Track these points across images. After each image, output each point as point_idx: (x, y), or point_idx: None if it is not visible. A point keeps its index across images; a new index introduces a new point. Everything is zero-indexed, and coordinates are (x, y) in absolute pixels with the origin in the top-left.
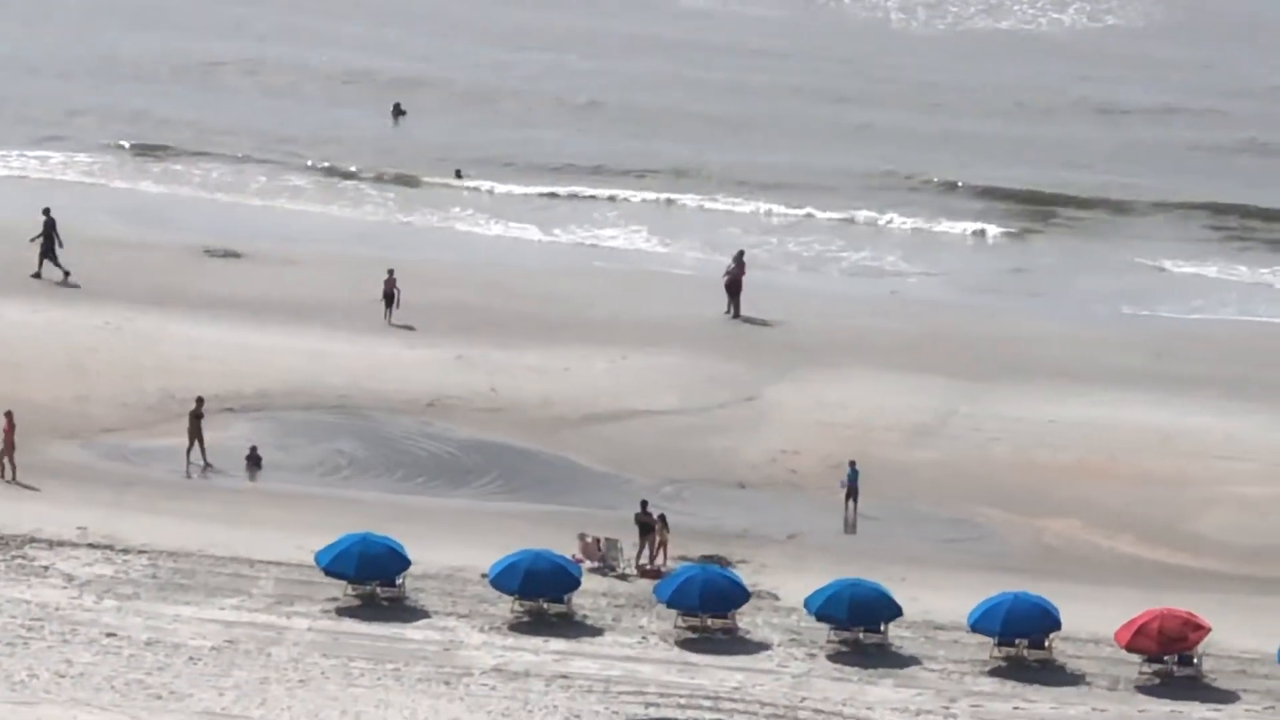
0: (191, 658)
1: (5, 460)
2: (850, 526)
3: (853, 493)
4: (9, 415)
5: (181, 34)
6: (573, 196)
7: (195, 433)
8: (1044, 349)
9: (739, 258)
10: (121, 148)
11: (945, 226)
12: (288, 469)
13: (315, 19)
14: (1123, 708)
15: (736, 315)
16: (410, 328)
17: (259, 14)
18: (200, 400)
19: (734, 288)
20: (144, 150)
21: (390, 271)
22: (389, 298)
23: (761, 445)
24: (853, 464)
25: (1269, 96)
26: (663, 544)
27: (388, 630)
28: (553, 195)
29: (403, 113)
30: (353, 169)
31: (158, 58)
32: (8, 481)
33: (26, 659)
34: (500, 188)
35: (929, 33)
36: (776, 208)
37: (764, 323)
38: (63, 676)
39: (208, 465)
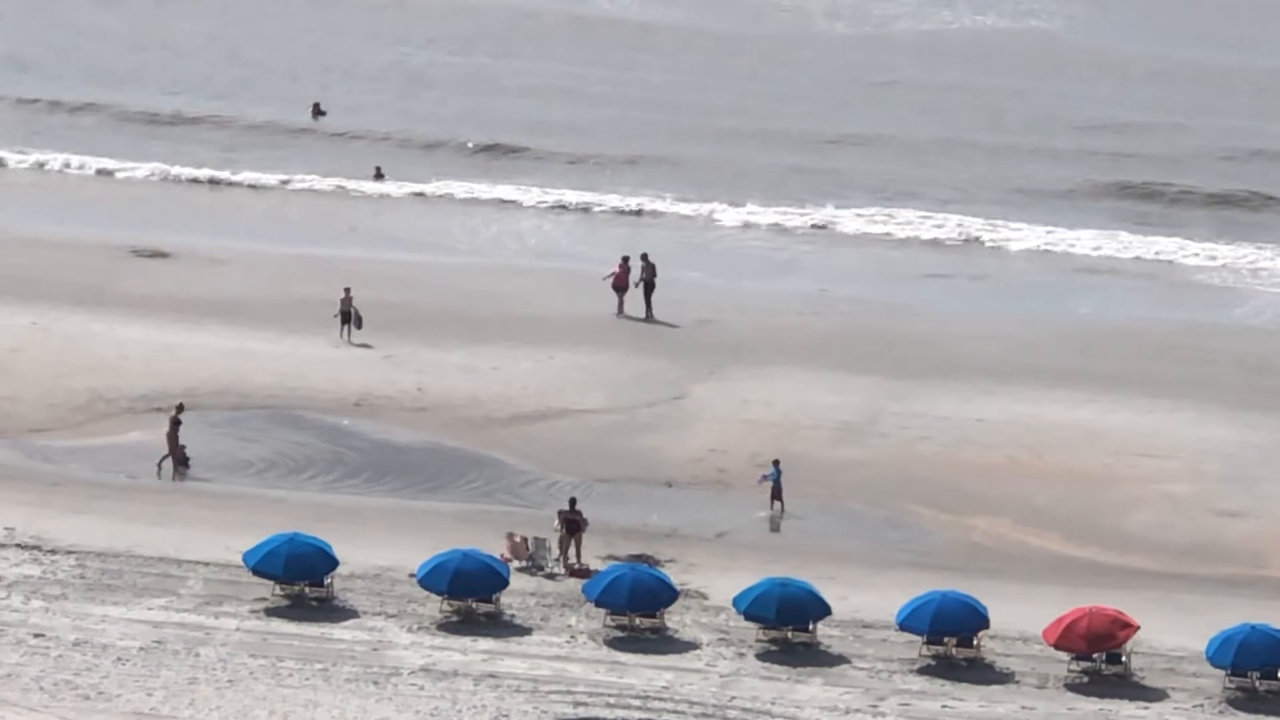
0: (119, 658)
1: None
2: (775, 525)
3: (777, 492)
4: None
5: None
6: (497, 198)
7: (174, 439)
8: (969, 347)
9: (644, 258)
10: None
11: (865, 226)
12: (215, 468)
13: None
14: (1051, 705)
15: (651, 319)
16: (368, 346)
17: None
18: (180, 406)
19: (648, 289)
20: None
21: (347, 290)
22: (346, 315)
23: (689, 444)
24: (776, 463)
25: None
26: (579, 536)
27: (316, 630)
28: (472, 197)
29: (322, 113)
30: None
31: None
32: None
33: None
34: (422, 186)
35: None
36: (697, 207)
37: (672, 325)
38: None
39: (177, 472)
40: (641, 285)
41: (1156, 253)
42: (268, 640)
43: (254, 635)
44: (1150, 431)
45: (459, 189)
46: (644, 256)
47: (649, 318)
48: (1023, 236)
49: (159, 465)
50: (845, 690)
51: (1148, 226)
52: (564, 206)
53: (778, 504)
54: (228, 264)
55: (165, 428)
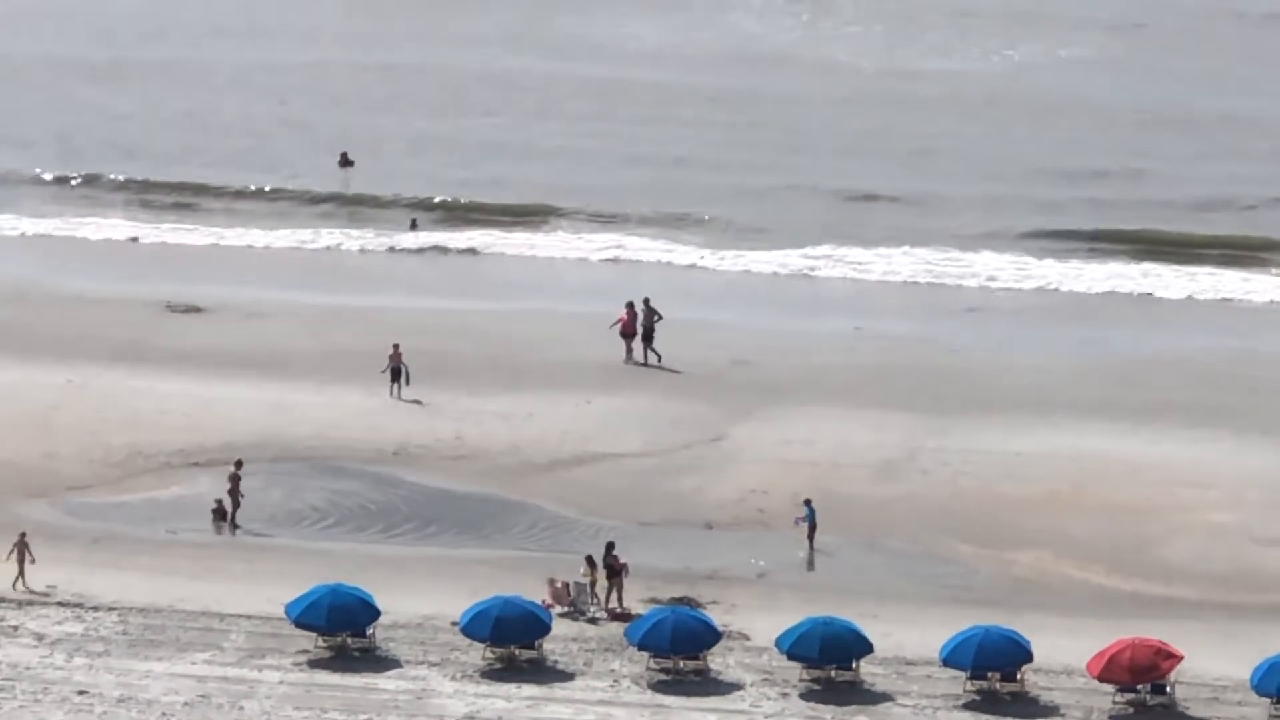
0: (164, 714)
1: None
2: (810, 564)
3: (811, 531)
4: None
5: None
6: (529, 251)
7: (234, 494)
8: (1006, 381)
9: (646, 303)
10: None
11: (896, 268)
12: (256, 521)
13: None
14: None
15: (657, 360)
16: (419, 402)
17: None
18: (239, 463)
19: (647, 335)
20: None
21: (395, 346)
22: (395, 372)
23: (729, 485)
24: (808, 502)
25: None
26: (596, 585)
27: (360, 681)
28: (504, 239)
29: (350, 162)
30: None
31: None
32: None
33: None
34: (458, 236)
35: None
36: (725, 254)
37: (676, 370)
38: None
39: (236, 527)
40: (641, 331)
41: (1185, 286)
42: (311, 692)
43: (298, 687)
44: (1190, 461)
45: (491, 240)
46: (645, 301)
47: (650, 362)
48: (1047, 273)
49: (230, 522)
50: None
51: (1173, 262)
52: (595, 259)
53: (812, 544)
54: (264, 317)
55: (209, 481)
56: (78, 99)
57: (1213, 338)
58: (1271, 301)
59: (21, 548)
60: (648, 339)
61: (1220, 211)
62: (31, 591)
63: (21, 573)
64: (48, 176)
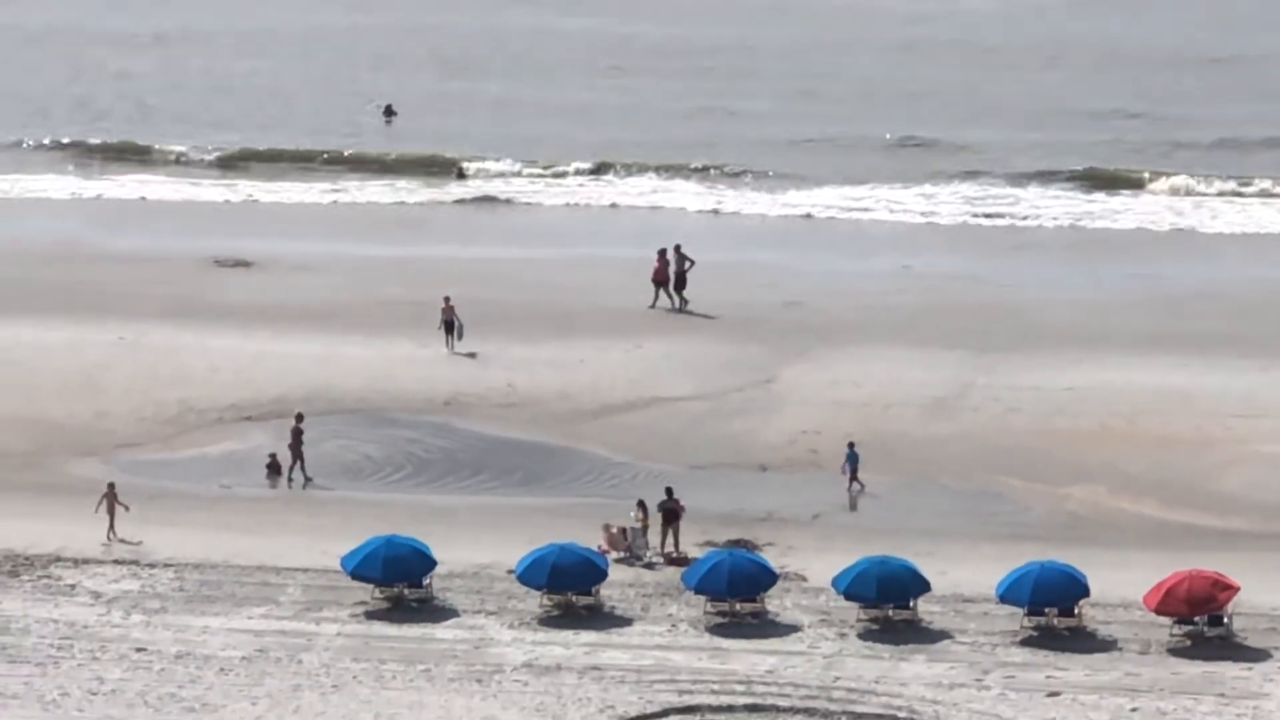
0: (223, 669)
1: None
2: (854, 504)
3: (854, 473)
4: None
5: None
6: (580, 186)
7: (296, 449)
8: (1056, 316)
9: (678, 250)
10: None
11: (936, 205)
12: (309, 474)
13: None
14: (1156, 671)
15: (683, 306)
16: (473, 355)
17: None
18: (300, 416)
19: (679, 281)
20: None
21: (447, 299)
22: (449, 325)
23: (780, 427)
24: (851, 445)
25: None
26: (649, 529)
27: (417, 631)
28: (556, 184)
29: (394, 113)
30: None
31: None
32: None
33: (58, 678)
34: (503, 186)
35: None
36: (775, 197)
37: (711, 313)
38: (95, 694)
39: (308, 480)
40: (674, 277)
41: (1229, 220)
42: (369, 644)
43: (355, 639)
44: (1242, 392)
45: (538, 189)
46: (677, 248)
47: (681, 307)
48: (1092, 208)
49: (290, 476)
50: (949, 665)
51: (1214, 197)
52: (644, 206)
53: (856, 484)
54: (311, 270)
55: (262, 436)
56: (120, 68)
57: (1258, 269)
58: None
59: (111, 498)
60: (680, 285)
61: (1255, 150)
62: (123, 541)
63: (112, 525)
64: (94, 140)
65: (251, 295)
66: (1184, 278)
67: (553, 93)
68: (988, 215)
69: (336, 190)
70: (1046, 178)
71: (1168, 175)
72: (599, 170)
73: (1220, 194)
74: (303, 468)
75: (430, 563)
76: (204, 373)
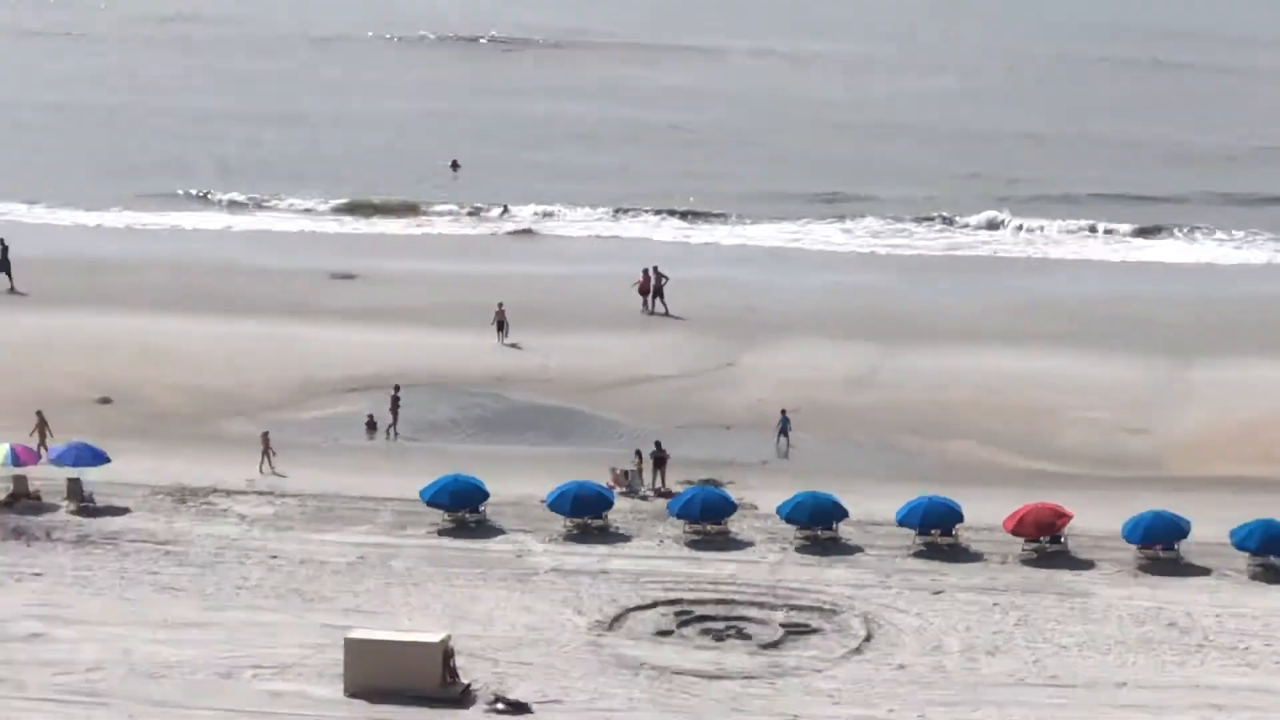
0: (334, 571)
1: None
2: (784, 455)
3: (785, 432)
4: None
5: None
6: (595, 223)
7: (395, 410)
8: (939, 318)
9: (655, 269)
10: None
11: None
12: (388, 433)
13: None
14: (1011, 577)
15: (667, 313)
16: (518, 346)
17: None
18: (397, 387)
19: (657, 292)
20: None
21: (500, 304)
22: (500, 323)
23: (740, 398)
24: (784, 412)
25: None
26: (644, 471)
27: (475, 545)
28: (577, 223)
29: (458, 167)
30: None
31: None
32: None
33: (214, 577)
34: (535, 222)
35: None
36: (731, 230)
37: (681, 317)
38: (240, 589)
39: (398, 434)
40: (654, 289)
41: (1065, 248)
42: (440, 553)
43: (430, 550)
44: (1073, 375)
45: (565, 226)
46: (655, 268)
47: (663, 313)
48: (969, 239)
49: (388, 431)
50: (861, 571)
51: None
52: (640, 238)
53: (784, 441)
54: (398, 282)
55: (362, 402)
56: (250, 137)
57: (1084, 286)
58: (1123, 260)
59: (266, 443)
60: (658, 294)
61: (1085, 201)
62: (277, 474)
63: (269, 460)
64: (240, 197)
65: (355, 300)
66: (1031, 291)
67: (575, 157)
68: (889, 245)
69: (418, 224)
70: (930, 220)
71: (1020, 216)
72: (612, 212)
73: (1058, 230)
74: (395, 425)
75: (484, 494)
76: (320, 356)
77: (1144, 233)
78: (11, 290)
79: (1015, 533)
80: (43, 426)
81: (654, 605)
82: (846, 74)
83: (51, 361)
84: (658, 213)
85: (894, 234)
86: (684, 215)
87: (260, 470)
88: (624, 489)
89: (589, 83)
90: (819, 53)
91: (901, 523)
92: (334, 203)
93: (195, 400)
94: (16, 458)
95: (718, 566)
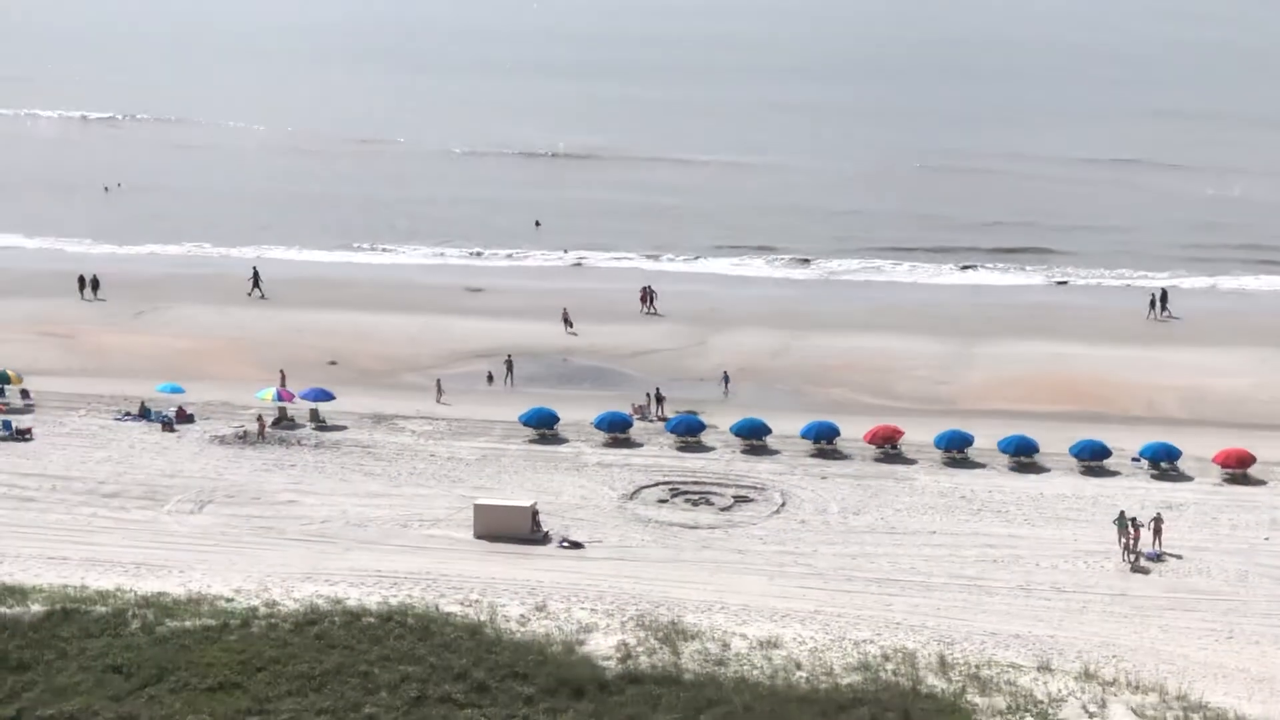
0: (467, 463)
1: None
2: (729, 396)
3: (727, 383)
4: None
5: None
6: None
7: (509, 370)
8: (838, 315)
9: (648, 287)
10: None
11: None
12: (504, 381)
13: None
14: (865, 468)
15: (656, 313)
16: (575, 333)
17: None
18: (510, 355)
19: (651, 299)
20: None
21: (565, 308)
22: (565, 319)
23: (709, 362)
24: (725, 372)
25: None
26: (650, 406)
27: (551, 449)
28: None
29: (539, 224)
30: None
31: None
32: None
33: (396, 467)
34: (586, 255)
35: None
36: (696, 264)
37: (668, 314)
38: (411, 474)
39: (513, 384)
40: (649, 298)
41: (922, 272)
42: (530, 454)
43: (524, 452)
44: (907, 349)
45: (598, 258)
46: (649, 286)
47: (655, 313)
48: (859, 268)
49: (505, 379)
50: (781, 466)
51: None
52: (647, 270)
53: (726, 389)
54: (507, 293)
55: (485, 364)
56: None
57: (918, 296)
58: (940, 283)
59: (439, 386)
60: (652, 301)
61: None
62: (442, 404)
63: (439, 395)
64: (412, 246)
65: (482, 304)
66: (882, 300)
67: (605, 223)
68: (797, 273)
69: (517, 260)
70: (831, 253)
71: (894, 250)
72: (630, 254)
73: (919, 260)
74: (510, 377)
75: (556, 419)
76: (461, 337)
77: (963, 267)
78: (261, 297)
79: (870, 442)
80: (284, 378)
81: (656, 485)
82: (762, 175)
83: (299, 340)
84: (652, 254)
85: (798, 266)
86: (663, 255)
87: (436, 401)
88: (639, 416)
89: (616, 180)
90: (754, 162)
91: (803, 436)
92: (468, 247)
93: (386, 362)
94: (280, 396)
95: (694, 461)
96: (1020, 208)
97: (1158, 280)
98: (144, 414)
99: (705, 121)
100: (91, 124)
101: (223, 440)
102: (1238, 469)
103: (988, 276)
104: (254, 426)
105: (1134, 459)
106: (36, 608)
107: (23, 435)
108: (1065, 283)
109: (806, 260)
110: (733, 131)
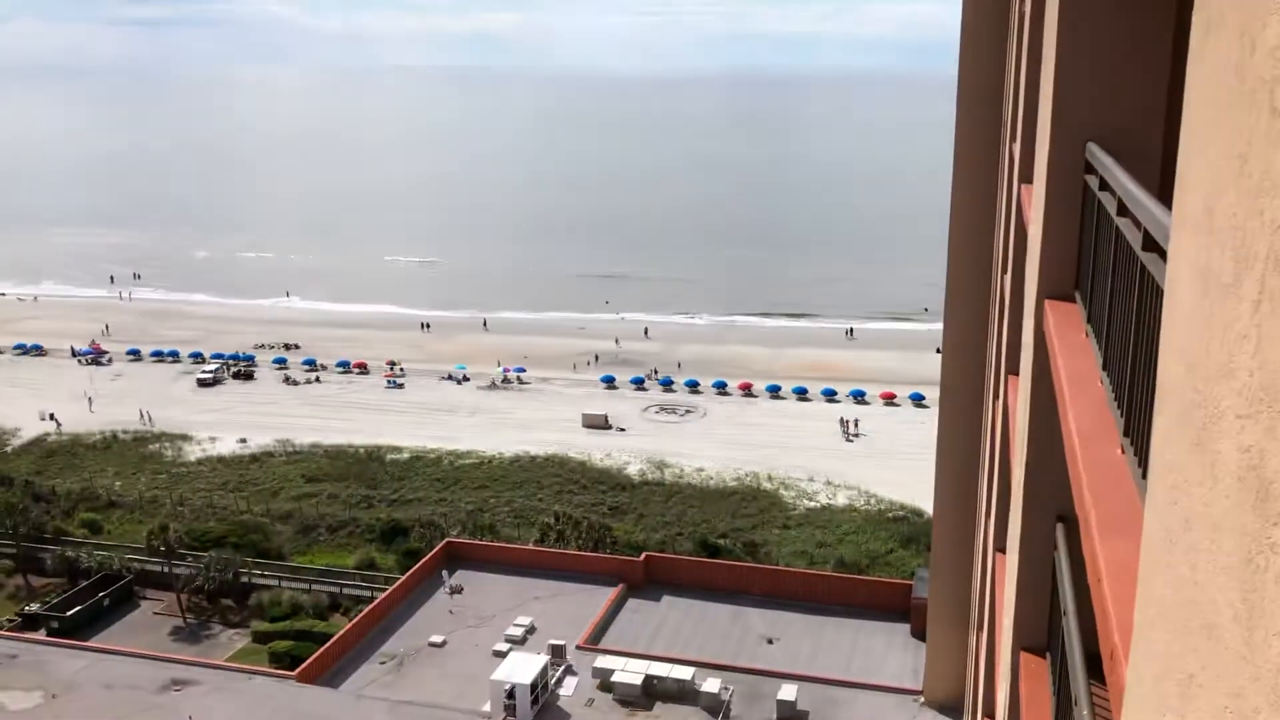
0: (580, 397)
1: None
2: (680, 368)
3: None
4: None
5: None
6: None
7: (596, 358)
8: (731, 353)
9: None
10: None
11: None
12: (591, 365)
13: None
14: (742, 399)
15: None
16: (619, 345)
17: None
18: (597, 353)
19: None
20: None
21: (616, 336)
22: (616, 340)
23: (681, 360)
24: (679, 364)
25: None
26: (656, 372)
27: (617, 391)
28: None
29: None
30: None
31: None
32: None
33: (551, 397)
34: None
35: None
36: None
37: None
38: (559, 399)
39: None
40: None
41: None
42: (605, 393)
43: (602, 391)
44: (795, 357)
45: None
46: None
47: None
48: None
49: (589, 363)
50: (703, 398)
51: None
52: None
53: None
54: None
55: (587, 358)
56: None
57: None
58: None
59: (574, 366)
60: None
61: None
62: (577, 373)
63: (577, 368)
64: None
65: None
66: (772, 337)
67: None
68: (669, 320)
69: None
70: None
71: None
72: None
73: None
74: (596, 362)
75: (614, 378)
76: (582, 347)
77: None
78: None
79: (740, 389)
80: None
81: (652, 406)
82: None
83: (495, 353)
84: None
85: (676, 314)
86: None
87: (573, 369)
88: (648, 377)
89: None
90: None
91: (714, 386)
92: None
93: (551, 359)
94: (503, 368)
95: (668, 397)
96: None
97: None
98: (457, 378)
99: None
100: None
101: (491, 386)
102: None
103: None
104: (500, 380)
105: None
106: (405, 456)
107: (398, 384)
108: None
109: (694, 313)
110: None
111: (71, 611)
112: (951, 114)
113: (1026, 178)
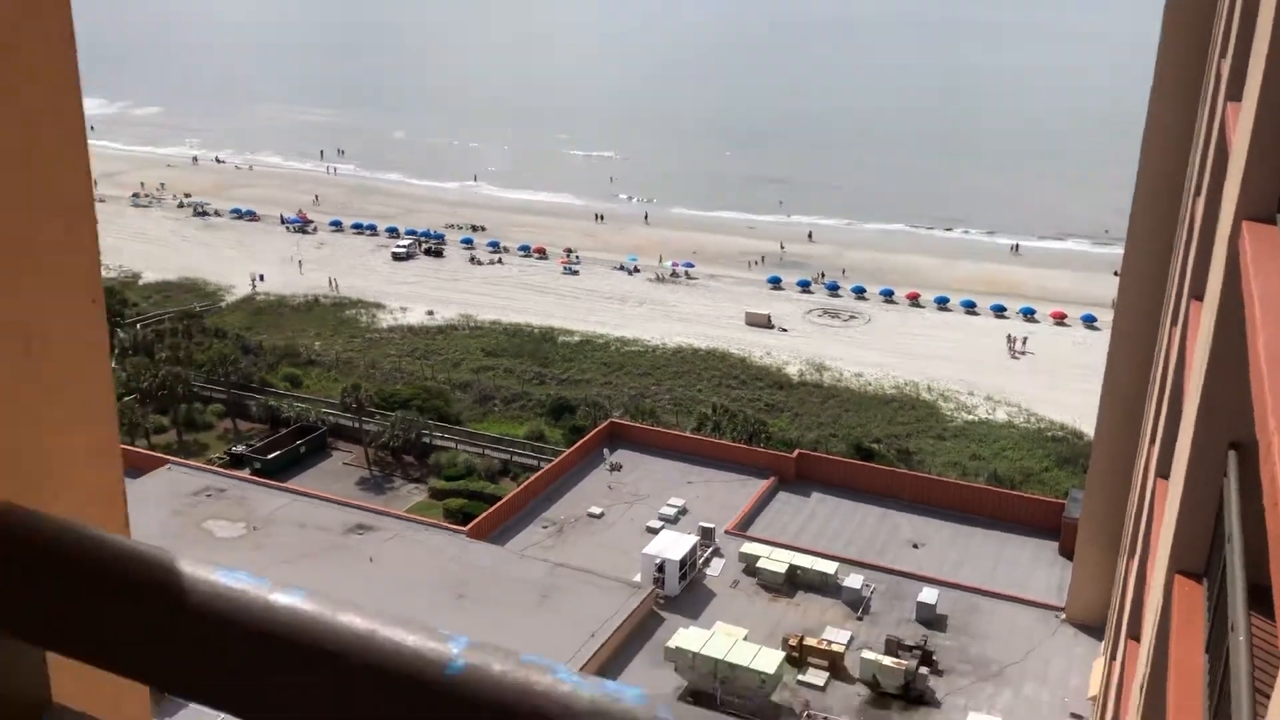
0: (744, 295)
1: None
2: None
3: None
4: None
5: None
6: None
7: (762, 259)
8: (899, 261)
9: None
10: None
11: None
12: (754, 265)
13: None
14: (907, 309)
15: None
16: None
17: None
18: (762, 255)
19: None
20: None
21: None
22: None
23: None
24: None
25: None
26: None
27: (782, 292)
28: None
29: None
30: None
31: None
32: None
33: (717, 294)
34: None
35: None
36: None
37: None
38: (726, 296)
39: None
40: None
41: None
42: (771, 293)
43: (769, 292)
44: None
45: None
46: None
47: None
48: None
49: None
50: (869, 304)
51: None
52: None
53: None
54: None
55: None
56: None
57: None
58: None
59: (749, 264)
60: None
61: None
62: (745, 270)
63: (750, 268)
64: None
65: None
66: (942, 248)
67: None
68: (835, 223)
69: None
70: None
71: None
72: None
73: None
74: (763, 263)
75: (780, 278)
76: (744, 249)
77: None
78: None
79: (908, 299)
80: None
81: (814, 310)
82: None
83: (662, 248)
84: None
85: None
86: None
87: (748, 267)
88: (814, 279)
89: None
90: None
91: (881, 294)
92: None
93: (718, 256)
94: (672, 264)
95: (832, 301)
96: None
97: None
98: (628, 268)
99: None
100: None
101: (659, 279)
102: None
103: None
104: (668, 274)
105: None
106: (575, 339)
107: (573, 271)
108: None
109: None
110: None
111: (272, 455)
112: (1154, 26)
113: (1234, 95)
